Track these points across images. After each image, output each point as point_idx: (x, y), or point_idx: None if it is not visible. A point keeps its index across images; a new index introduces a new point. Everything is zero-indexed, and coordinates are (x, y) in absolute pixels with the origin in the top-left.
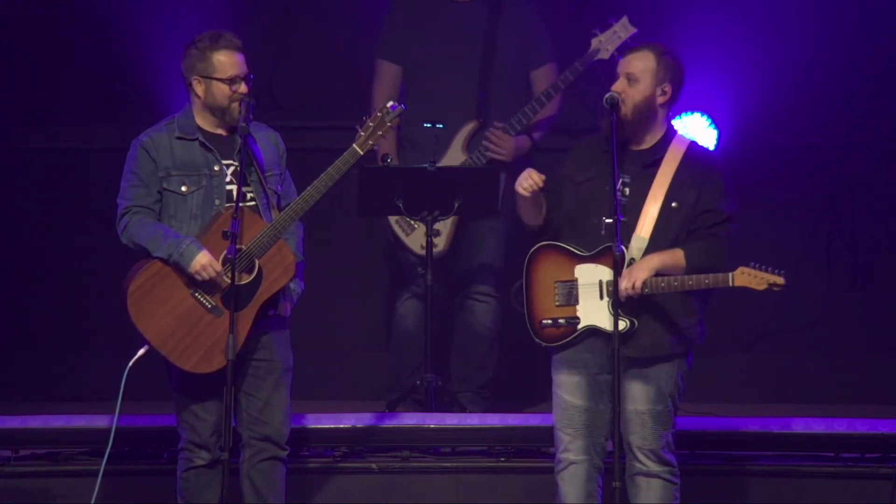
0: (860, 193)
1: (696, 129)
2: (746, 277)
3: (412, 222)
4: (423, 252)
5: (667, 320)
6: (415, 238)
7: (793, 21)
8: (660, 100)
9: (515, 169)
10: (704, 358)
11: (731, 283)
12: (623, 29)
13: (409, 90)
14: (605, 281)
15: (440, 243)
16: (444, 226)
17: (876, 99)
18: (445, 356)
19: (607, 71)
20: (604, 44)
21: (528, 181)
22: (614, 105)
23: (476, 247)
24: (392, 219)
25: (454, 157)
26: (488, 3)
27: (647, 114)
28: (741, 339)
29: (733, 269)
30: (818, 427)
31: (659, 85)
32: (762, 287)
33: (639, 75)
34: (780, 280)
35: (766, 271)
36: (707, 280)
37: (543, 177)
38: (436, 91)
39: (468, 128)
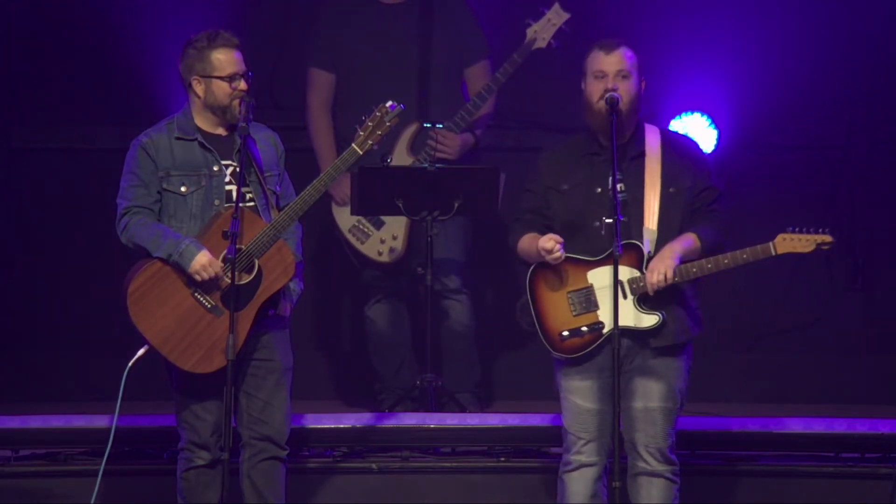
0: (860, 193)
1: (696, 129)
2: (790, 243)
3: (366, 229)
4: (379, 258)
5: (685, 305)
6: (370, 245)
7: (793, 21)
8: (642, 92)
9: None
10: (704, 358)
11: (773, 253)
12: (556, 15)
13: (345, 96)
14: (625, 280)
15: (398, 246)
16: (400, 229)
17: (876, 99)
18: (424, 355)
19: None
20: (539, 33)
21: (559, 254)
22: (614, 105)
23: (440, 245)
24: (345, 228)
25: (400, 159)
26: (419, 2)
27: (638, 107)
28: (741, 339)
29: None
30: (818, 427)
31: (641, 78)
32: (810, 249)
33: (629, 70)
34: (829, 237)
35: (810, 232)
36: (745, 255)
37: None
38: (373, 95)
39: (410, 129)
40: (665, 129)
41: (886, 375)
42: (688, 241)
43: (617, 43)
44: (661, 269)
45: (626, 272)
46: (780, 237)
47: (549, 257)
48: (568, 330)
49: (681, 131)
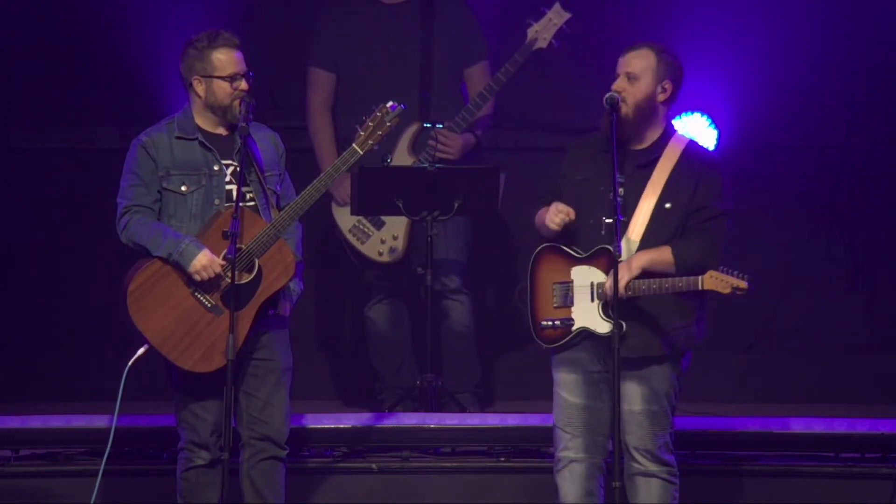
0: (860, 193)
1: (696, 129)
2: (714, 281)
3: (366, 229)
4: (380, 258)
5: (659, 321)
6: (371, 245)
7: (793, 21)
8: (660, 97)
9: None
10: (704, 358)
11: (700, 287)
12: (557, 15)
13: (345, 96)
14: (595, 283)
15: (399, 246)
16: (401, 229)
17: (876, 99)
18: (424, 355)
19: (599, 67)
20: (540, 33)
21: (560, 216)
22: (614, 105)
23: (440, 245)
24: (345, 228)
25: (400, 159)
26: (419, 3)
27: (648, 112)
28: (741, 339)
29: (704, 272)
30: (818, 427)
31: (659, 82)
32: (727, 291)
33: (639, 73)
34: (744, 284)
35: (731, 275)
36: (681, 283)
37: (572, 210)
38: (373, 95)
39: (411, 130)
40: (693, 143)
41: (886, 375)
42: (661, 253)
43: (637, 45)
44: (617, 277)
45: (599, 275)
46: (708, 273)
47: (555, 217)
48: (547, 319)
49: (690, 137)
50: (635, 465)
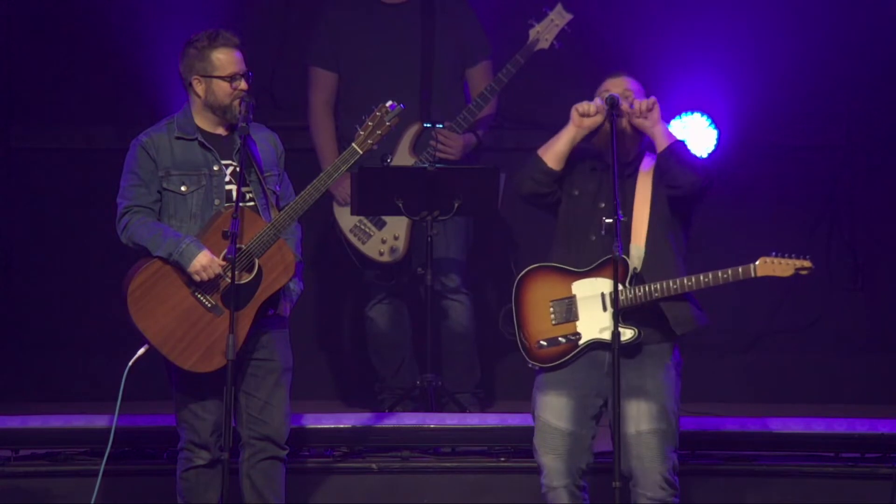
0: (860, 193)
1: (696, 129)
2: (770, 266)
3: (367, 229)
4: (380, 258)
5: (679, 298)
6: (371, 245)
7: (793, 21)
8: None
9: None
10: (704, 358)
11: (753, 275)
12: (559, 16)
13: (346, 95)
14: (607, 293)
15: (399, 246)
16: (401, 229)
17: (876, 99)
18: (424, 355)
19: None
20: (542, 34)
21: (585, 106)
22: (615, 104)
23: (440, 245)
24: (346, 228)
25: (402, 159)
26: (420, 3)
27: (640, 133)
28: (741, 339)
29: (753, 260)
30: (818, 427)
31: None
32: (789, 273)
33: (634, 96)
34: (808, 263)
35: (791, 257)
36: (726, 275)
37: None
38: (374, 95)
39: (412, 130)
40: None
41: (886, 375)
42: (666, 131)
43: (619, 71)
44: (617, 279)
45: (606, 285)
46: (761, 260)
47: (579, 108)
48: (545, 339)
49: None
50: (640, 489)
